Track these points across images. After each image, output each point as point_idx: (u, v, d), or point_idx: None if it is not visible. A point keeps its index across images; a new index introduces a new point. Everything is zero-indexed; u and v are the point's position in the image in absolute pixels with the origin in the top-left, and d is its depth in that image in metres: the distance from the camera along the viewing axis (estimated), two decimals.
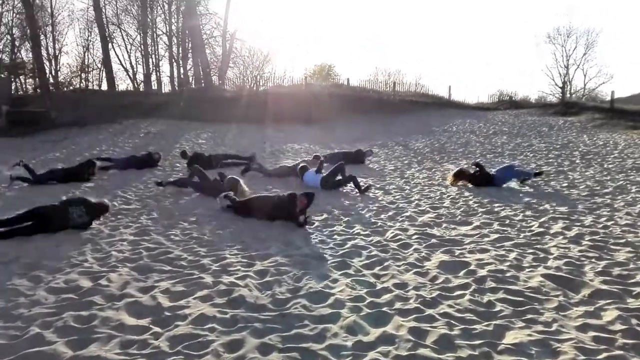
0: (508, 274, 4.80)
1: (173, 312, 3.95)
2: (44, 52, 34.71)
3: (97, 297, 4.21)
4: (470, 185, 9.76)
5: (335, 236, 6.38)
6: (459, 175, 9.99)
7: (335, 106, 24.67)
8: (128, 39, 40.98)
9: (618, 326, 3.64)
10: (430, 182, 10.41)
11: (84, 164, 10.87)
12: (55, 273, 4.80)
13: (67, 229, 6.32)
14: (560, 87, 43.82)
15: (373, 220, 7.20)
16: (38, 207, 6.41)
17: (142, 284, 4.58)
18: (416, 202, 8.49)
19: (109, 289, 4.41)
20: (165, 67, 56.88)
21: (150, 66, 40.11)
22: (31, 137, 17.64)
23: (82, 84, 39.14)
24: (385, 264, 5.23)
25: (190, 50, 35.67)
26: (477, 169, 10.00)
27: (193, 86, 31.45)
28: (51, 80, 35.39)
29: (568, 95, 41.24)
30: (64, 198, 7.10)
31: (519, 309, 4.01)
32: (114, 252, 5.57)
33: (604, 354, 3.25)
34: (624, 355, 3.23)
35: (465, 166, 11.30)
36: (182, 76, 39.07)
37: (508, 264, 5.14)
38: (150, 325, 3.70)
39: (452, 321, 3.76)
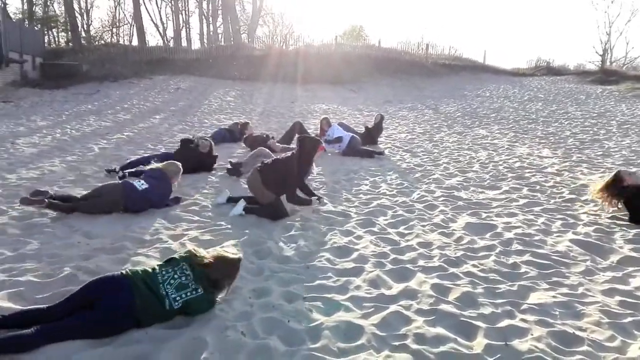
0: (535, 238, 4.75)
1: None
2: (75, 6, 34.94)
3: (128, 242, 4.35)
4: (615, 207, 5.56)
5: (361, 195, 6.39)
6: (611, 186, 5.47)
7: (366, 67, 24.25)
8: None
9: None
10: (459, 146, 10.24)
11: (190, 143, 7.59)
12: (88, 220, 4.95)
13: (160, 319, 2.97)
14: (600, 55, 41.81)
15: (399, 182, 7.17)
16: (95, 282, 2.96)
17: (171, 232, 4.71)
18: (444, 165, 8.40)
19: (141, 235, 4.55)
20: (195, 23, 56.61)
21: (181, 22, 40.06)
22: (64, 90, 17.92)
23: (113, 39, 39.45)
24: (410, 223, 5.24)
25: (220, 7, 35.34)
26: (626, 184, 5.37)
27: (222, 44, 31.23)
28: (83, 34, 35.68)
29: (608, 63, 39.33)
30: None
31: (545, 271, 3.98)
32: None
33: (629, 318, 3.22)
34: None
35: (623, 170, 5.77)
36: (211, 33, 38.89)
37: (536, 228, 5.08)
38: None
39: (475, 280, 3.77)
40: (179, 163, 5.78)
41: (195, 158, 7.25)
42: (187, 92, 18.45)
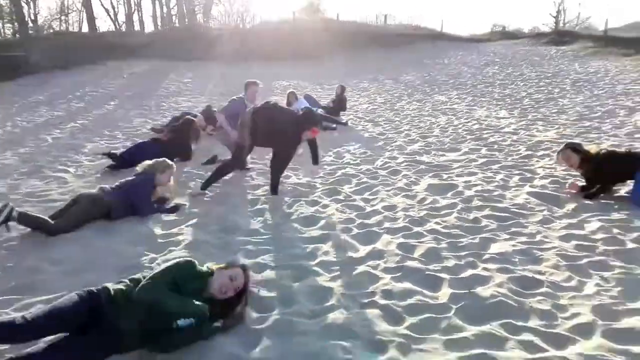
0: (495, 193, 4.90)
1: (166, 239, 4.02)
2: None
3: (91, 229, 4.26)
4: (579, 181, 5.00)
5: (325, 166, 6.42)
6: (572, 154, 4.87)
7: (325, 42, 24.02)
8: None
9: (600, 235, 3.77)
10: (420, 113, 10.36)
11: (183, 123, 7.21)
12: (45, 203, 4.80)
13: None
14: (554, 17, 42.57)
15: (363, 150, 7.23)
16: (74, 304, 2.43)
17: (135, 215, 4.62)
18: (405, 132, 8.50)
19: (102, 220, 4.44)
20: (147, 6, 54.67)
21: (132, 6, 38.59)
22: (11, 82, 17.16)
23: (62, 27, 37.81)
24: (375, 189, 5.32)
25: None
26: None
27: (177, 24, 30.36)
28: (30, 23, 34.01)
29: (562, 25, 40.13)
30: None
31: (504, 223, 4.12)
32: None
33: (585, 260, 3.37)
34: (604, 260, 3.36)
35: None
36: (165, 15, 37.72)
37: (495, 184, 5.23)
38: (146, 252, 3.76)
39: (439, 236, 3.87)
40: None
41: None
42: (142, 77, 17.92)
